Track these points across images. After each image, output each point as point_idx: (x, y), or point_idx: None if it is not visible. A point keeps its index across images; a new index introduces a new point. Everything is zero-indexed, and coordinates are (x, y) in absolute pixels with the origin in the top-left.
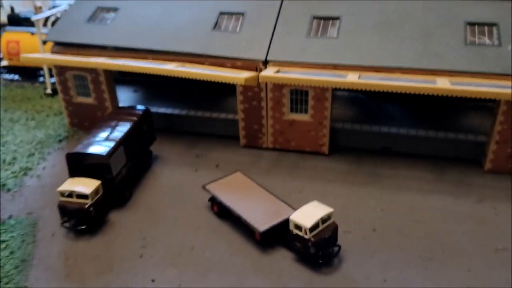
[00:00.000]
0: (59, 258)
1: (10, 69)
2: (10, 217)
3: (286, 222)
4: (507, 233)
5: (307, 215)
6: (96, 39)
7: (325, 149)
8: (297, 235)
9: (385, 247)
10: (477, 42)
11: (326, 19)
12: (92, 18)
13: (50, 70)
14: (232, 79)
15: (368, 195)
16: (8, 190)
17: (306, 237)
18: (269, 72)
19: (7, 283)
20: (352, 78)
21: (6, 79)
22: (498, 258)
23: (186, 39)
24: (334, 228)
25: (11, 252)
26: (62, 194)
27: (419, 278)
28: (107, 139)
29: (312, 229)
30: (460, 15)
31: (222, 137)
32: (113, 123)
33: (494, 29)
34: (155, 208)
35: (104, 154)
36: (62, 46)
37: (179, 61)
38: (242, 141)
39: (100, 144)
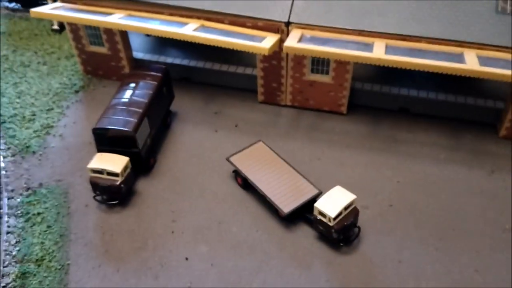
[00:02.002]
0: (96, 232)
1: None
2: (40, 185)
3: (310, 202)
4: None
5: (331, 203)
6: None
7: (344, 109)
8: (321, 220)
9: (401, 224)
10: (509, 11)
11: None
12: None
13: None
14: (255, 48)
15: (385, 163)
16: (34, 152)
17: (330, 224)
18: (292, 42)
19: (50, 261)
20: (378, 52)
21: (7, 8)
22: (505, 239)
23: None
24: (355, 214)
25: (48, 226)
26: (93, 170)
27: (431, 259)
28: (130, 110)
29: (336, 217)
30: None
31: (239, 90)
32: (134, 89)
33: None
34: (180, 176)
35: (130, 129)
36: None
37: (197, 17)
38: (260, 97)
39: (125, 117)
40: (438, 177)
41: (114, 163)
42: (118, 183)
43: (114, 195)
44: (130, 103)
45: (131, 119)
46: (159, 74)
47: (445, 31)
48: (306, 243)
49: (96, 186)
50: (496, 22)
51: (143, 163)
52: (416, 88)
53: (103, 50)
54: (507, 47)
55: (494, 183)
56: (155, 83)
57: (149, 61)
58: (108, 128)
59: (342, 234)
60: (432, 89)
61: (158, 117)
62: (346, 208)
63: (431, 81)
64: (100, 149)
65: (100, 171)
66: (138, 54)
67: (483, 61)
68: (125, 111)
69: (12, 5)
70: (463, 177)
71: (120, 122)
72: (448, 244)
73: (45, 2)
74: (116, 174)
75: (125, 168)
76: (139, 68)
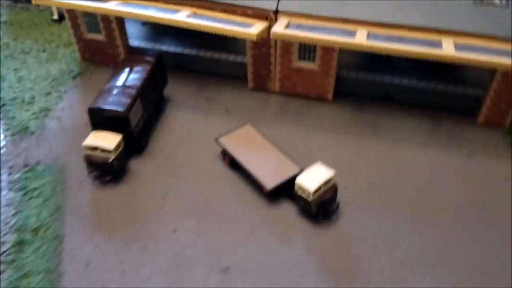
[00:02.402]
0: (90, 206)
1: None
2: (38, 163)
3: (291, 179)
4: (489, 191)
5: (311, 178)
6: None
7: (330, 95)
8: (301, 196)
9: (379, 202)
10: (485, 3)
11: None
12: None
13: None
14: (243, 34)
15: (367, 147)
16: (32, 133)
17: (309, 199)
18: (279, 29)
19: (45, 231)
20: (360, 38)
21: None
22: (478, 216)
23: None
24: (334, 189)
25: (44, 200)
26: (87, 147)
27: (405, 233)
28: (124, 92)
29: (314, 192)
30: None
31: (230, 77)
32: (128, 72)
33: None
34: (172, 157)
35: (123, 110)
36: None
37: (190, 6)
38: (250, 84)
39: (119, 98)
40: (417, 160)
41: (108, 140)
42: (111, 159)
43: (107, 171)
44: (124, 85)
45: (124, 100)
46: (153, 59)
47: (425, 19)
48: (288, 218)
49: (90, 163)
50: (473, 11)
51: (135, 143)
52: (399, 76)
53: (100, 37)
54: (482, 35)
55: (471, 166)
56: (149, 67)
57: (144, 48)
58: (103, 109)
59: (321, 208)
60: (414, 77)
61: (151, 100)
62: (325, 183)
63: (414, 69)
64: (95, 129)
65: (94, 148)
66: (134, 42)
67: (459, 48)
68: (119, 93)
69: None
70: (441, 160)
71: (114, 103)
72: (422, 220)
73: None
74: (109, 151)
75: (118, 145)
76: (133, 53)
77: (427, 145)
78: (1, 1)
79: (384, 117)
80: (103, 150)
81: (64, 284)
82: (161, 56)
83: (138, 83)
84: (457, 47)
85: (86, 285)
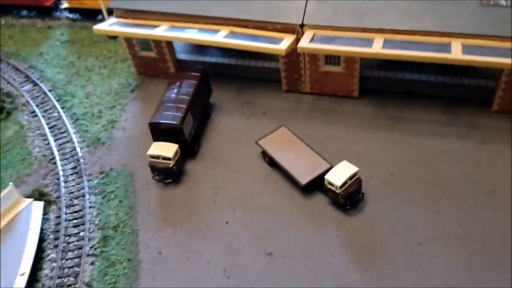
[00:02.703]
0: (156, 205)
1: (70, 10)
2: (111, 169)
3: (322, 174)
4: (499, 175)
5: (338, 174)
6: (155, 6)
7: (355, 93)
8: (330, 189)
9: (399, 191)
10: (492, 3)
11: None
12: None
13: (108, 13)
14: (274, 50)
15: (389, 139)
16: (103, 143)
17: (337, 192)
18: (305, 43)
19: (123, 227)
20: (377, 47)
21: (68, 18)
22: (488, 199)
23: (233, 5)
24: (359, 183)
25: (120, 201)
26: (151, 156)
27: (422, 217)
28: (177, 106)
29: (342, 186)
30: None
31: (266, 81)
32: (178, 88)
33: None
34: (220, 158)
35: (178, 123)
36: (124, 10)
37: (227, 24)
38: (284, 87)
39: (173, 112)
40: (434, 149)
41: (167, 149)
42: (171, 165)
43: (168, 175)
44: (176, 100)
45: (178, 114)
46: (198, 74)
47: (435, 24)
48: (320, 208)
49: (154, 169)
50: (480, 13)
51: (189, 149)
52: (418, 72)
53: (152, 54)
54: (489, 35)
55: (484, 153)
56: (195, 82)
57: (190, 61)
58: (161, 122)
59: (348, 199)
60: (432, 73)
61: (199, 110)
62: (350, 178)
63: (431, 65)
64: (155, 139)
65: (157, 157)
66: (180, 55)
67: (468, 49)
68: (173, 107)
69: (72, 15)
70: (456, 148)
71: (169, 117)
72: (437, 204)
73: (101, 16)
74: (169, 159)
75: (176, 153)
76: (181, 69)
77: (443, 134)
78: (62, 20)
79: (405, 110)
80: (164, 158)
81: (143, 271)
82: (205, 71)
83: (188, 97)
84: (466, 48)
85: (160, 271)
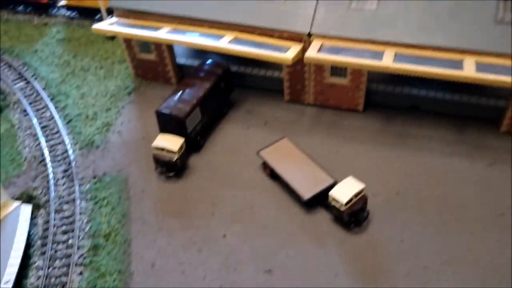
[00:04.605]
0: (151, 213)
1: (68, 7)
2: (104, 174)
3: (326, 189)
4: (509, 199)
5: (344, 191)
6: (157, 7)
7: (360, 107)
8: (334, 206)
9: (405, 210)
10: (507, 20)
11: None
12: None
13: (108, 12)
14: (279, 59)
15: (395, 156)
16: (97, 147)
17: (342, 209)
18: (312, 53)
19: (115, 236)
20: (387, 60)
21: (66, 16)
22: (498, 223)
23: (239, 9)
24: (364, 200)
25: (113, 208)
26: (155, 148)
27: (429, 240)
28: (187, 100)
29: (347, 203)
30: None
31: (268, 91)
32: (195, 81)
33: None
34: (219, 168)
35: (182, 116)
36: (125, 10)
37: (232, 29)
38: (286, 97)
39: (180, 105)
40: (441, 168)
41: (173, 142)
42: (174, 159)
43: (171, 168)
44: (188, 93)
45: (185, 107)
46: (219, 71)
47: (448, 40)
48: (323, 224)
49: (157, 160)
50: (494, 31)
51: (193, 143)
52: (425, 88)
53: (151, 57)
54: (505, 54)
55: (493, 174)
56: (213, 78)
57: (190, 66)
58: (165, 113)
59: (352, 217)
60: (439, 89)
61: (212, 107)
62: (356, 195)
63: (439, 81)
64: (161, 129)
65: (161, 149)
66: (181, 60)
67: (481, 67)
68: (183, 99)
69: (69, 12)
70: (465, 168)
71: (175, 109)
72: (445, 226)
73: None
74: (173, 152)
75: (181, 147)
76: (204, 64)
77: (451, 153)
78: (59, 18)
79: (412, 126)
80: (168, 151)
81: (134, 283)
82: (227, 69)
83: (201, 93)
84: (479, 66)
85: (153, 284)
